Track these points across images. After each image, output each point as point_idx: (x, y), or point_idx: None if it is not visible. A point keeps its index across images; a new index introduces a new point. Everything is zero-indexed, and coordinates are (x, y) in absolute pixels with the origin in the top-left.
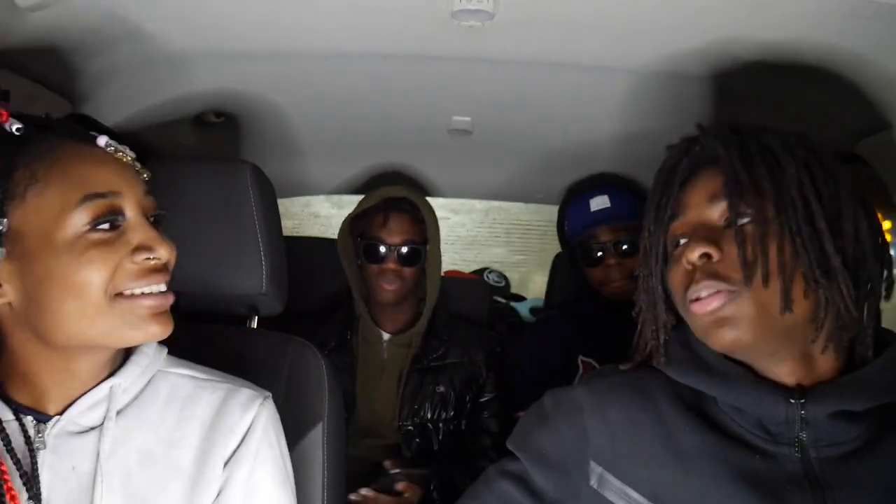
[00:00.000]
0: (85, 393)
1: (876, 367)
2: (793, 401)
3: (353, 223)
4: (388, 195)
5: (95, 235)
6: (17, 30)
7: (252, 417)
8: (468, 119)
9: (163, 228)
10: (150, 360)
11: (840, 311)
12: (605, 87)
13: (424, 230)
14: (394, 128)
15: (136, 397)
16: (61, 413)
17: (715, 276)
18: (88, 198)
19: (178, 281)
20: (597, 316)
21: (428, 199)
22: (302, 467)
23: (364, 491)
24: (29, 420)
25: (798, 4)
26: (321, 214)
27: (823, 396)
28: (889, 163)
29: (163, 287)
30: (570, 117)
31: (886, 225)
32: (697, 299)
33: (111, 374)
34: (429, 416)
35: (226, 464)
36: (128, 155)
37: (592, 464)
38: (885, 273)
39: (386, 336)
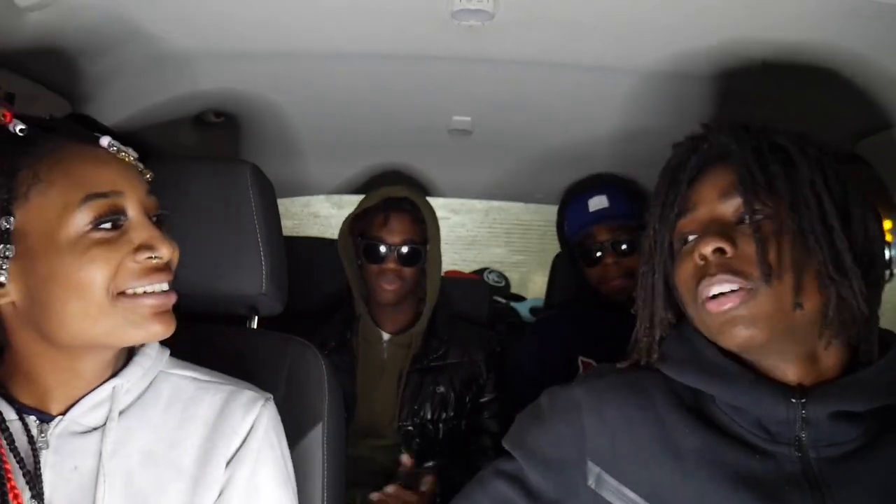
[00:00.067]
0: (88, 393)
1: (877, 369)
2: (794, 400)
3: (354, 223)
4: (389, 195)
5: (97, 235)
6: (16, 30)
7: (254, 418)
8: (468, 119)
9: (165, 228)
10: (153, 362)
11: (851, 309)
12: (605, 87)
13: (425, 230)
14: (394, 128)
15: (138, 398)
16: (64, 413)
17: (731, 270)
18: (90, 197)
19: (178, 281)
20: (597, 316)
21: (428, 199)
22: (302, 467)
23: (390, 489)
24: (32, 420)
25: (798, 4)
26: (321, 214)
27: (825, 396)
28: (889, 163)
29: (165, 286)
30: (570, 117)
31: (887, 225)
32: (713, 297)
33: (114, 375)
34: (429, 416)
35: (227, 464)
36: (130, 155)
37: (590, 463)
38: (889, 272)
39: (386, 336)
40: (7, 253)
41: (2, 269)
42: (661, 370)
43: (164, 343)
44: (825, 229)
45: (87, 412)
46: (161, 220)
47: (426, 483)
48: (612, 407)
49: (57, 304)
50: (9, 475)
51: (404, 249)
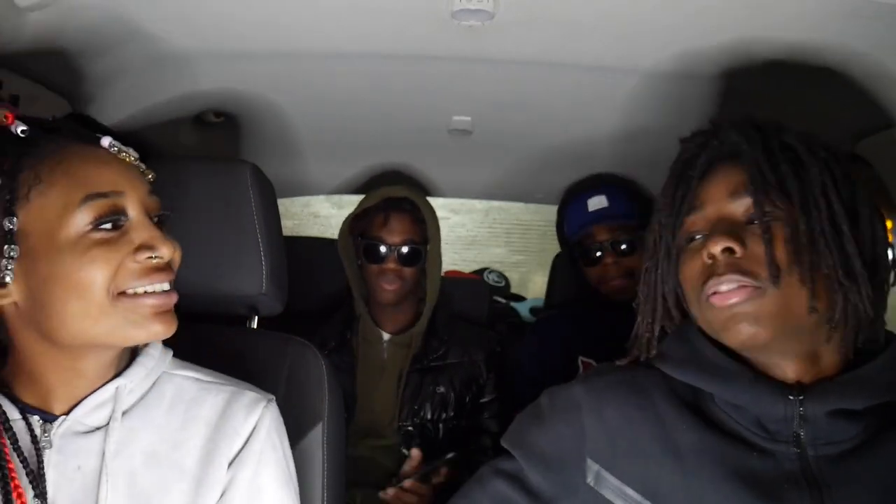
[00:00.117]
0: (91, 393)
1: (876, 367)
2: (791, 397)
3: (354, 223)
4: (389, 195)
5: (98, 235)
6: (16, 30)
7: (256, 420)
8: (468, 119)
9: (167, 229)
10: (156, 362)
11: (857, 312)
12: (606, 87)
13: (425, 230)
14: (394, 128)
15: (141, 398)
16: (67, 413)
17: (739, 270)
18: (90, 197)
19: (178, 281)
20: (597, 316)
21: (428, 199)
22: (302, 467)
23: (406, 483)
24: (35, 419)
25: (798, 4)
26: (321, 214)
27: (823, 394)
28: (889, 163)
29: (166, 286)
30: (570, 117)
31: (888, 225)
32: (717, 292)
33: (117, 375)
34: (429, 416)
35: (230, 465)
36: (131, 155)
37: (589, 461)
38: (893, 274)
39: (386, 336)
40: (12, 253)
41: (7, 269)
42: (661, 369)
43: (164, 343)
44: (835, 232)
45: (90, 412)
46: (163, 221)
47: (440, 475)
48: (612, 406)
49: (58, 303)
50: (12, 474)
51: (404, 249)
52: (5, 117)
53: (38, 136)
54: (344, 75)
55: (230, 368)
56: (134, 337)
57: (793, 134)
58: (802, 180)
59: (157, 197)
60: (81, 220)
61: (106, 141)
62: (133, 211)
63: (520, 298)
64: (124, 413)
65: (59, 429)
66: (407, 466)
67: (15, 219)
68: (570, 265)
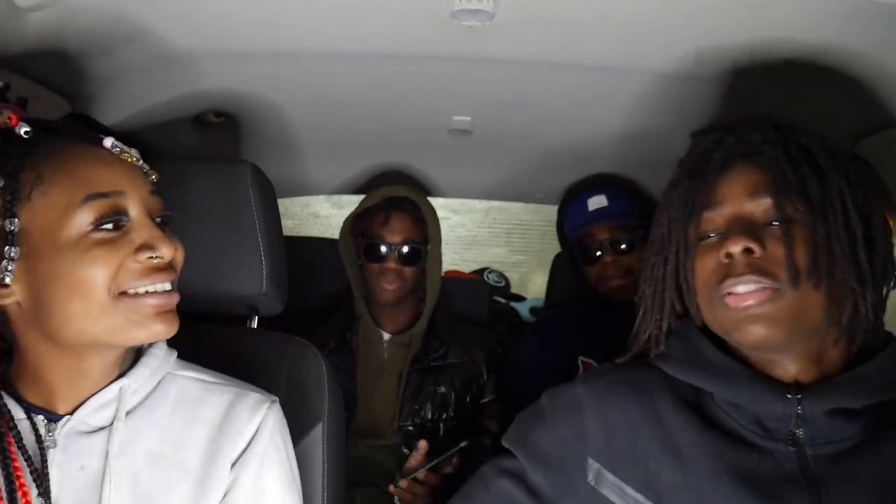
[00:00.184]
0: (95, 393)
1: (874, 366)
2: (790, 396)
3: (355, 222)
4: (390, 194)
5: (99, 235)
6: (17, 30)
7: (259, 421)
8: (468, 119)
9: (170, 229)
10: (160, 363)
11: (862, 316)
12: (605, 87)
13: (425, 230)
14: (394, 128)
15: (145, 399)
16: (71, 413)
17: (759, 271)
18: (91, 198)
19: (178, 281)
20: (597, 316)
21: (428, 199)
22: (302, 467)
23: (421, 474)
24: (40, 419)
25: (798, 4)
26: (321, 214)
27: (821, 393)
28: (889, 163)
29: (167, 286)
30: (570, 117)
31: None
32: (733, 293)
33: (121, 375)
34: (429, 416)
35: (233, 466)
36: (133, 155)
37: (590, 461)
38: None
39: (386, 336)
40: (12, 254)
41: (7, 270)
42: (662, 368)
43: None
44: (850, 237)
45: (94, 412)
46: (165, 221)
47: (452, 465)
48: (613, 406)
49: (59, 303)
50: (17, 472)
51: (405, 249)
52: (9, 118)
53: (41, 136)
54: (344, 75)
55: (230, 368)
56: (135, 337)
57: (809, 136)
58: (822, 184)
59: (160, 197)
60: (82, 220)
61: (108, 141)
62: (134, 211)
63: (520, 298)
64: (128, 413)
65: (64, 428)
66: (414, 459)
67: (16, 220)
68: (569, 265)
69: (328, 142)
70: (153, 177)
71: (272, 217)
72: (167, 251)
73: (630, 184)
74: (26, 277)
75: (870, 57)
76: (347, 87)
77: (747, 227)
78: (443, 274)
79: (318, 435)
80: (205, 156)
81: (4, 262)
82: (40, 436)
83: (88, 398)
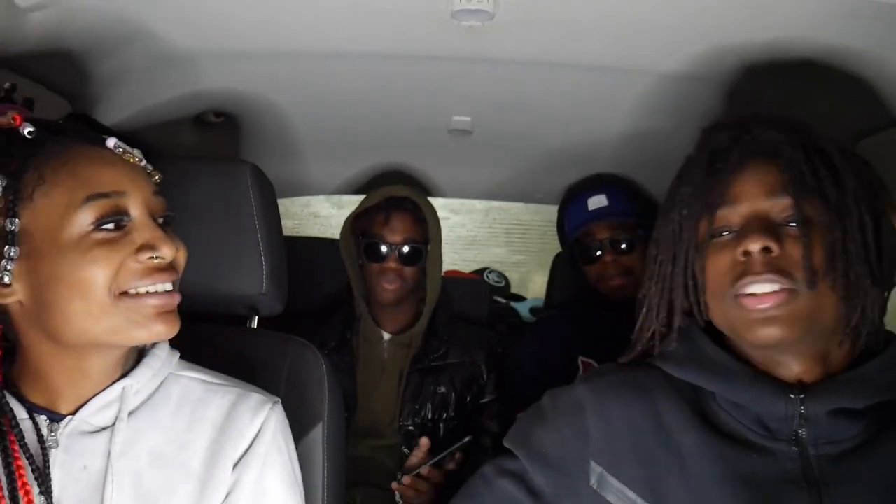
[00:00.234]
0: (97, 393)
1: (876, 366)
2: (792, 396)
3: (356, 222)
4: (391, 194)
5: (99, 235)
6: (17, 30)
7: (261, 422)
8: (468, 119)
9: (172, 230)
10: (163, 363)
11: (870, 318)
12: (605, 87)
13: (426, 230)
14: (394, 128)
15: (147, 399)
16: (74, 413)
17: (778, 271)
18: (92, 197)
19: (179, 282)
20: (597, 316)
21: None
22: (302, 467)
23: (425, 470)
24: (42, 419)
25: (798, 5)
26: (321, 214)
27: (823, 393)
28: (890, 163)
29: (168, 286)
30: (570, 117)
31: None
32: (751, 294)
33: (124, 376)
34: (429, 416)
35: (234, 466)
36: (136, 156)
37: (592, 464)
38: None
39: (386, 336)
40: (11, 254)
41: (6, 269)
42: (662, 368)
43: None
44: (863, 238)
45: (96, 412)
46: (168, 222)
47: (455, 461)
48: (614, 407)
49: (61, 303)
50: (20, 471)
51: (405, 249)
52: (13, 119)
53: (45, 137)
54: (344, 75)
55: (230, 368)
56: (136, 337)
57: (824, 137)
58: (838, 185)
59: (163, 198)
60: (83, 219)
61: (111, 142)
62: (135, 211)
63: (520, 298)
64: (130, 413)
65: (66, 429)
66: (416, 456)
67: (17, 220)
68: (570, 265)
69: (328, 142)
70: (157, 177)
71: (272, 217)
72: (168, 251)
73: (630, 184)
74: (28, 277)
75: (870, 57)
76: (347, 87)
77: (766, 226)
78: (443, 274)
79: (318, 435)
80: (205, 156)
81: (4, 262)
82: (42, 436)
83: (91, 398)
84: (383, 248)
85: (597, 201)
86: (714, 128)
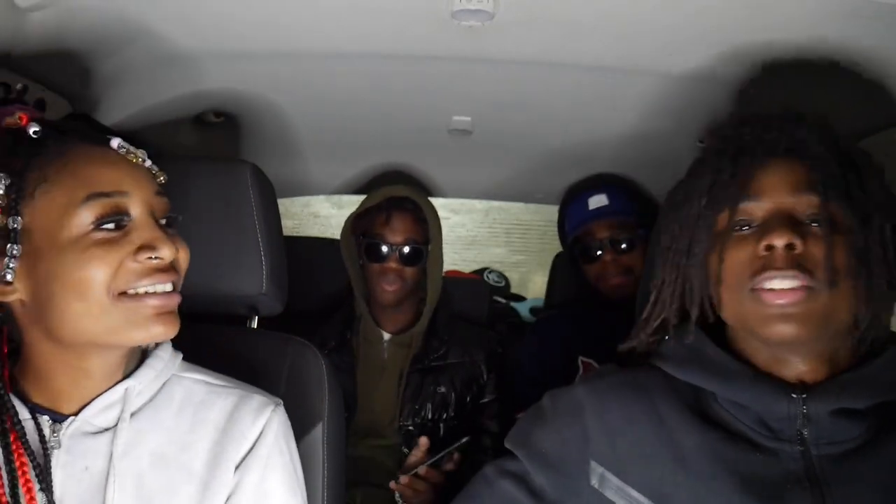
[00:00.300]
0: (100, 394)
1: (878, 366)
2: (794, 395)
3: (356, 222)
4: (391, 194)
5: (99, 235)
6: (17, 30)
7: (263, 424)
8: (468, 119)
9: (175, 231)
10: (165, 364)
11: (882, 319)
12: (605, 87)
13: (426, 230)
14: (394, 128)
15: (150, 400)
16: (76, 413)
17: (800, 267)
18: (92, 197)
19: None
20: (597, 316)
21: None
22: (302, 467)
23: (422, 470)
24: (45, 419)
25: (798, 5)
26: (321, 214)
27: (825, 393)
28: (890, 163)
29: (168, 287)
30: (570, 117)
31: None
32: (771, 289)
33: (126, 376)
34: (429, 416)
35: (236, 468)
36: (139, 156)
37: (593, 464)
38: None
39: (386, 336)
40: (14, 252)
41: (9, 267)
42: (663, 368)
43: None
44: (883, 240)
45: (98, 413)
46: (171, 223)
47: (453, 461)
48: (614, 408)
49: (60, 302)
50: (23, 468)
51: (406, 249)
52: (19, 119)
53: (50, 137)
54: (344, 75)
55: (230, 368)
56: (134, 337)
57: (846, 139)
58: (862, 185)
59: (167, 199)
60: (83, 219)
61: (115, 142)
62: (136, 211)
63: (520, 298)
64: (133, 414)
65: (68, 429)
66: (415, 455)
67: (19, 218)
68: (570, 265)
69: (328, 142)
70: (161, 178)
71: (272, 217)
72: (168, 252)
73: (630, 183)
74: (29, 276)
75: (870, 56)
76: (347, 87)
77: (788, 222)
78: (443, 274)
79: (318, 435)
80: (205, 156)
81: (6, 260)
82: (44, 436)
83: (93, 399)
84: (384, 249)
85: (597, 200)
86: (739, 122)
